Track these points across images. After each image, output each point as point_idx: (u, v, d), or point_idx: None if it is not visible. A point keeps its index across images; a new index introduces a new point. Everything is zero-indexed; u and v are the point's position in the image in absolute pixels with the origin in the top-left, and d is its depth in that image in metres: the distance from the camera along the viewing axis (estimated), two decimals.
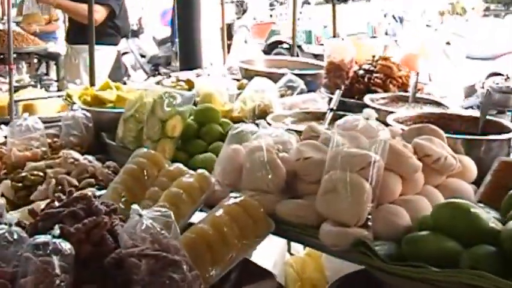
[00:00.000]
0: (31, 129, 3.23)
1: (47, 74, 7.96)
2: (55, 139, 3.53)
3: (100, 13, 5.65)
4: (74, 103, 3.48)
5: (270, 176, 2.44)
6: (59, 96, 5.18)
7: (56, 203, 2.28)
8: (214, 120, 3.14)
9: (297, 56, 13.69)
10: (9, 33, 4.61)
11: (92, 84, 4.11)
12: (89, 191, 2.84)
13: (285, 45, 13.90)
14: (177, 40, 12.10)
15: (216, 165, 2.66)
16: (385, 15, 14.64)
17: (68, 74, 5.86)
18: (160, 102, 3.01)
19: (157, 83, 4.15)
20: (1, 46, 6.93)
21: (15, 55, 7.53)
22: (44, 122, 4.98)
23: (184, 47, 5.29)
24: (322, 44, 13.42)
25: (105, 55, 5.77)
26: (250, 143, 2.60)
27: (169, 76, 4.22)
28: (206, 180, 2.52)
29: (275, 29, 14.20)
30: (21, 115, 4.90)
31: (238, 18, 14.36)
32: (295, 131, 2.81)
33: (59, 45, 7.87)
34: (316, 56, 13.59)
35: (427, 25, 12.87)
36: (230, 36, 10.47)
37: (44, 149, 3.22)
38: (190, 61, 5.07)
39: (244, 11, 15.00)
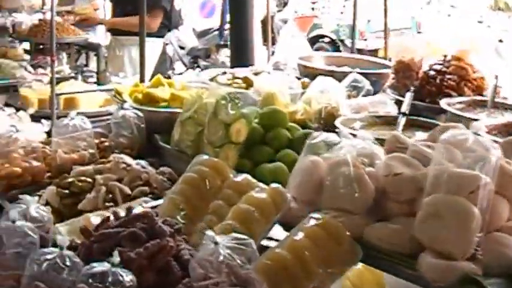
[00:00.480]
0: (78, 128, 2.92)
1: (86, 65, 7.66)
2: (102, 139, 3.23)
3: (158, 19, 5.46)
4: (125, 101, 3.17)
5: (356, 194, 2.12)
6: (102, 90, 4.91)
7: (112, 220, 1.97)
8: (282, 124, 2.81)
9: (340, 51, 13.35)
10: (52, 24, 4.31)
11: (142, 80, 3.80)
12: (142, 201, 2.55)
13: (327, 40, 13.51)
14: (226, 32, 11.91)
15: (291, 179, 2.33)
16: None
17: (110, 66, 5.56)
18: (224, 103, 2.68)
19: (212, 79, 3.83)
20: (41, 36, 6.66)
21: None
22: (86, 117, 4.78)
23: (236, 43, 4.91)
24: (365, 39, 13.03)
25: (151, 47, 5.45)
26: (332, 154, 2.27)
27: (224, 73, 3.89)
28: (281, 196, 2.19)
29: (317, 23, 13.79)
30: (62, 109, 4.69)
31: (279, 11, 13.99)
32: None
33: (99, 36, 7.60)
34: (359, 51, 13.18)
35: (479, 21, 12.39)
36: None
37: (91, 151, 2.92)
38: (243, 58, 4.71)
39: (285, 4, 14.59)
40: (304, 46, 10.26)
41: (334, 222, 2.07)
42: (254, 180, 2.37)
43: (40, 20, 7.19)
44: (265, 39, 6.17)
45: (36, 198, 2.29)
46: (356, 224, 2.10)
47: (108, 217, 2.00)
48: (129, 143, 2.99)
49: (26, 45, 7.27)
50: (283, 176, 2.53)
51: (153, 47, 5.49)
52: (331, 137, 2.33)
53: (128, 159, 2.73)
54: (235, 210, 2.17)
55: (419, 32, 13.63)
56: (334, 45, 13.50)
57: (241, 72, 3.93)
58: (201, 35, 11.71)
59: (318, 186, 2.22)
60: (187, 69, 11.66)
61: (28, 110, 4.34)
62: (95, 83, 6.77)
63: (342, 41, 13.31)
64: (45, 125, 4.16)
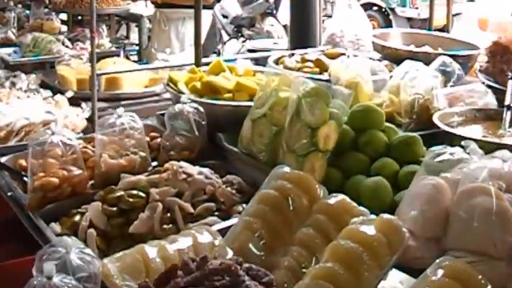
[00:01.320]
0: (126, 127, 2.42)
1: (127, 37, 7.16)
2: (153, 134, 2.73)
3: None
4: (181, 92, 2.65)
5: (499, 234, 1.59)
6: (149, 69, 4.41)
7: (181, 273, 1.47)
8: (377, 126, 2.27)
9: (390, 20, 12.65)
10: None
11: (198, 63, 3.26)
12: (209, 221, 2.06)
13: (375, 8, 12.81)
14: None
15: (403, 205, 1.81)
16: None
17: (155, 42, 5.02)
18: (310, 101, 2.14)
19: (277, 62, 3.30)
20: (80, 7, 6.17)
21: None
22: (130, 99, 4.29)
23: (297, 20, 4.26)
24: (417, 8, 12.33)
25: (204, 22, 4.96)
26: (458, 175, 1.73)
27: (292, 54, 3.35)
28: (397, 233, 1.66)
29: None
30: (104, 89, 4.20)
31: None
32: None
33: (140, 6, 7.08)
34: (410, 20, 12.52)
35: None
36: None
37: (143, 154, 2.41)
38: (304, 38, 4.09)
39: None
40: (360, 16, 9.61)
41: (471, 271, 1.55)
42: (353, 204, 1.85)
43: None
44: None
45: (78, 242, 1.79)
46: (500, 274, 1.58)
47: (175, 269, 1.49)
48: (187, 143, 2.48)
49: (63, 17, 6.80)
50: (385, 194, 2.02)
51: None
52: (457, 152, 1.79)
53: (190, 168, 2.21)
54: (336, 249, 1.65)
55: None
56: (383, 13, 12.80)
57: (311, 53, 3.39)
58: (245, 3, 11.08)
59: (443, 218, 1.70)
60: (230, 38, 11.12)
61: (66, 93, 3.85)
62: (137, 60, 6.30)
63: (392, 9, 12.61)
64: (86, 110, 3.70)
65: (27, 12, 6.44)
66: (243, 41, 11.66)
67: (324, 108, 2.13)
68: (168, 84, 2.76)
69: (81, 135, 3.31)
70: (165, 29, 4.87)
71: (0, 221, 2.75)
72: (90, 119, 3.69)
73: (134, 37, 7.32)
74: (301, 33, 4.18)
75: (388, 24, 12.55)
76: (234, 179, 2.28)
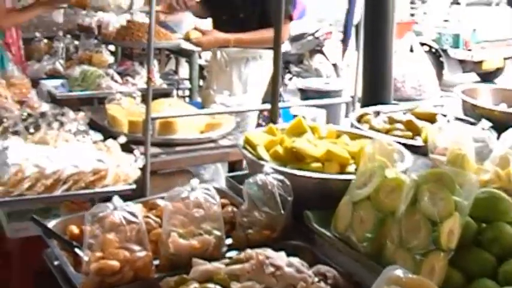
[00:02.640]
0: (201, 202, 2.04)
1: (176, 71, 6.87)
2: (224, 200, 2.36)
3: (288, 30, 4.55)
4: (262, 159, 2.28)
5: None
6: (208, 114, 4.05)
7: None
8: (504, 217, 1.88)
9: (441, 62, 12.24)
10: (150, 36, 3.47)
11: (274, 119, 2.89)
12: None
13: (426, 48, 12.41)
14: (322, 37, 11.00)
15: None
16: None
17: (214, 82, 4.65)
18: (431, 188, 1.76)
19: (359, 120, 2.92)
20: (130, 40, 5.86)
21: (143, 50, 6.51)
22: (185, 145, 3.93)
23: (371, 74, 3.81)
24: (470, 50, 11.93)
25: (267, 63, 4.61)
26: None
27: (378, 113, 2.97)
28: None
29: (416, 30, 12.70)
30: (158, 133, 3.84)
31: None
32: None
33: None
34: (462, 62, 12.10)
35: None
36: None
37: (218, 233, 2.03)
38: (378, 93, 3.68)
39: None
40: (423, 60, 9.20)
41: None
42: None
43: (128, 21, 6.42)
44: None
45: None
46: None
47: None
48: (269, 221, 2.10)
49: (111, 47, 6.53)
50: None
51: (269, 61, 4.63)
52: None
53: (278, 259, 1.84)
54: None
55: None
56: (434, 54, 12.41)
57: (397, 111, 3.01)
58: (294, 39, 10.79)
59: None
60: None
61: (119, 138, 3.51)
62: (187, 96, 5.98)
63: (444, 50, 12.22)
64: (139, 158, 3.36)
65: (76, 42, 6.16)
66: (290, 78, 11.39)
67: (448, 198, 1.74)
68: (244, 147, 2.39)
69: (135, 193, 2.99)
70: (227, 69, 4.52)
71: None
72: (143, 169, 3.36)
73: (183, 72, 7.04)
74: (375, 87, 3.78)
75: (439, 66, 12.17)
76: (327, 271, 1.90)
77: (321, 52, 10.55)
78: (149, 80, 3.54)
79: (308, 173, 2.19)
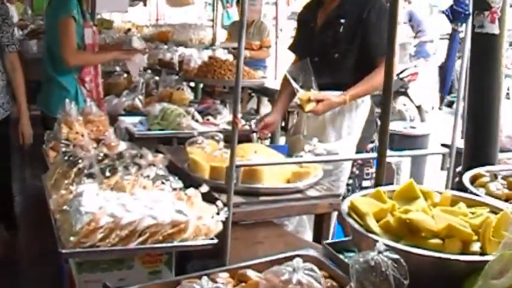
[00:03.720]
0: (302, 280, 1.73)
1: (257, 111, 6.63)
2: (322, 272, 2.03)
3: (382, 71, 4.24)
4: (372, 232, 1.95)
5: None
6: (298, 163, 3.75)
7: None
8: None
9: None
10: (239, 69, 3.17)
11: (379, 181, 2.56)
12: None
13: None
14: (407, 78, 10.59)
15: None
16: None
17: (304, 128, 4.32)
18: None
19: (472, 181, 2.56)
20: (212, 77, 5.67)
21: (225, 88, 6.31)
22: (269, 195, 3.62)
23: (476, 122, 3.37)
24: None
25: (363, 108, 4.33)
26: None
27: (495, 176, 2.60)
28: None
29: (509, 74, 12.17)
30: (241, 181, 3.53)
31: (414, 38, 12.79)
32: None
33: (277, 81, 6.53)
34: None
35: None
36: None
37: None
38: (484, 146, 3.25)
39: (419, 32, 13.15)
40: None
41: None
42: None
43: (210, 57, 6.26)
44: None
45: None
46: None
47: None
48: None
49: (191, 83, 6.35)
50: None
51: (365, 107, 4.34)
52: None
53: None
54: None
55: None
56: None
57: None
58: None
59: None
60: None
61: (201, 188, 3.24)
62: (269, 138, 5.69)
63: None
64: (222, 211, 3.08)
65: (156, 78, 6.01)
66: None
67: None
68: (349, 214, 2.07)
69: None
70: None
71: None
72: (225, 222, 3.08)
73: (264, 111, 6.77)
74: (480, 139, 3.38)
75: None
76: None
77: (405, 94, 10.15)
78: (234, 124, 3.27)
79: (427, 252, 1.86)
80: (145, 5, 11.15)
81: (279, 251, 2.27)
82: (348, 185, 4.23)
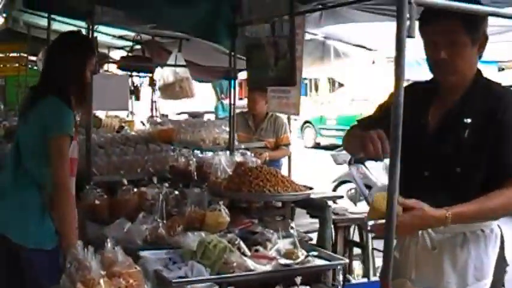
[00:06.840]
0: None
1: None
2: None
3: None
4: None
5: None
6: None
7: None
8: None
9: None
10: None
11: None
12: None
13: None
14: None
15: None
16: None
17: (411, 268, 3.07)
18: None
19: None
20: (248, 190, 4.44)
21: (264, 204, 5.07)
22: None
23: None
24: None
25: (495, 240, 3.12)
26: None
27: None
28: None
29: None
30: None
31: None
32: None
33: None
34: None
35: None
36: None
37: None
38: None
39: None
40: None
41: None
42: None
43: (240, 164, 5.10)
44: None
45: None
46: None
47: None
48: None
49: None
50: None
51: (493, 237, 3.13)
52: None
53: None
54: None
55: None
56: None
57: None
58: None
59: None
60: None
61: None
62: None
63: None
64: None
65: (176, 193, 4.79)
66: None
67: None
68: None
69: None
70: (434, 252, 3.03)
71: None
72: None
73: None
74: None
75: None
76: None
77: None
78: None
79: None
80: (138, 99, 9.99)
81: None
82: None
